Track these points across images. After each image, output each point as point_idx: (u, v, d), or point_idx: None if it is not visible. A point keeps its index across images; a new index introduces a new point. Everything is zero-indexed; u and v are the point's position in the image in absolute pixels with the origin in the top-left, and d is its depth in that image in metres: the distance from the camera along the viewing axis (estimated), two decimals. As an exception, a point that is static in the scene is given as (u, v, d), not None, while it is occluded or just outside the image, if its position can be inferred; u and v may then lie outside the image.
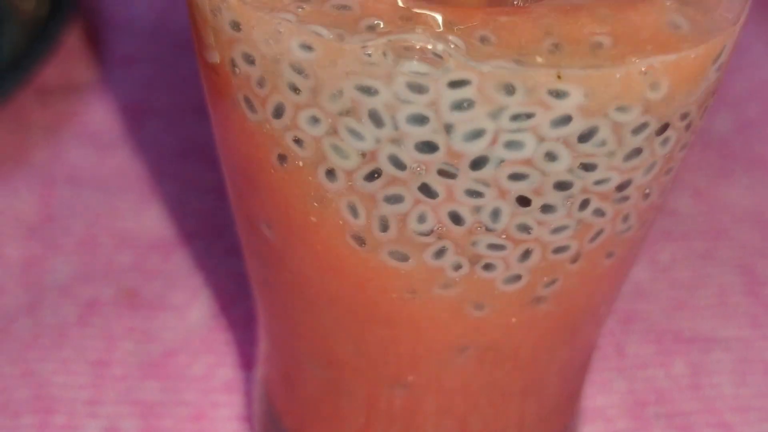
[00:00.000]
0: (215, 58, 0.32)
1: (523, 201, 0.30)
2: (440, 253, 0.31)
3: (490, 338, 0.34)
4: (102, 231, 0.50)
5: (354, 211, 0.31)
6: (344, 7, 0.29)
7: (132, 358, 0.45)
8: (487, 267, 0.31)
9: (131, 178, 0.52)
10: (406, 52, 0.28)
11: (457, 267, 0.31)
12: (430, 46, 0.28)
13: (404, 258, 0.31)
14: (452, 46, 0.28)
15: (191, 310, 0.47)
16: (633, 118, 0.29)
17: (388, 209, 0.30)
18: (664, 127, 0.30)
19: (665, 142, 0.31)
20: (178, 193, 0.51)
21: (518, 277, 0.32)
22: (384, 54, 0.28)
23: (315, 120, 0.30)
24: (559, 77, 0.28)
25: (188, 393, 0.44)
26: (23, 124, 0.53)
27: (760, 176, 0.54)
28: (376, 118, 0.29)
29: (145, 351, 0.45)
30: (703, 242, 0.51)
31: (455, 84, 0.28)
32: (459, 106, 0.29)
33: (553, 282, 0.32)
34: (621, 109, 0.29)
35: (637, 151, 0.30)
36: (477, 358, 0.34)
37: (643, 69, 0.29)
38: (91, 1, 0.59)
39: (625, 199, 0.31)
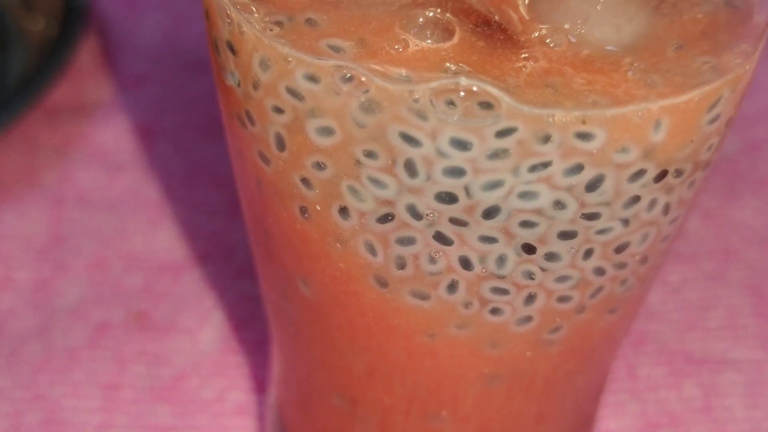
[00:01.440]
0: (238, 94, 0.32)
1: (529, 249, 0.30)
2: (452, 287, 0.31)
3: (507, 369, 0.34)
4: (112, 253, 0.49)
5: (372, 250, 0.31)
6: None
7: (143, 381, 0.45)
8: (495, 311, 0.32)
9: (141, 199, 0.52)
10: (451, 102, 0.28)
11: (468, 305, 0.31)
12: (475, 89, 0.28)
13: (425, 296, 0.31)
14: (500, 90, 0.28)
15: (202, 332, 0.47)
16: (633, 161, 0.30)
17: (401, 250, 0.31)
18: (663, 174, 0.30)
19: (653, 205, 0.31)
20: (187, 215, 0.51)
21: (529, 318, 0.32)
22: (431, 102, 0.28)
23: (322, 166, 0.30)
24: (584, 122, 0.28)
25: (200, 417, 0.44)
26: (32, 145, 0.53)
27: (770, 197, 0.54)
28: (411, 169, 0.29)
29: (156, 374, 0.45)
30: (713, 263, 0.51)
31: (502, 133, 0.28)
32: (495, 156, 0.29)
33: (558, 329, 0.33)
34: (624, 151, 0.29)
35: (636, 199, 0.30)
36: (496, 387, 0.34)
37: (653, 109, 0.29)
38: (101, 22, 0.59)
39: (623, 265, 0.32)
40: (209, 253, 0.50)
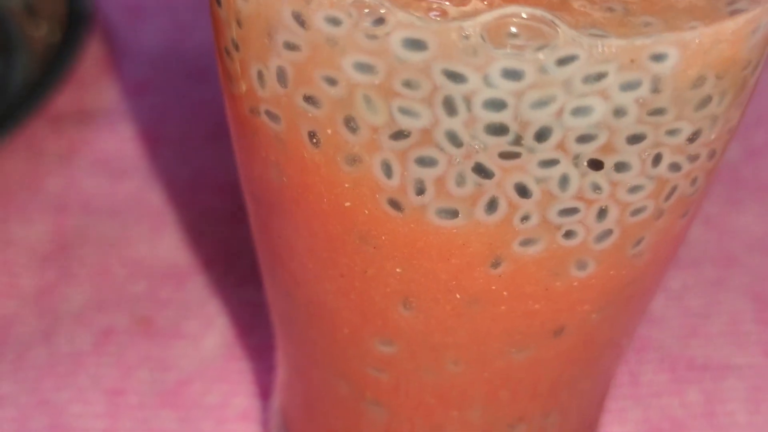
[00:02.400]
0: (241, 88, 0.32)
1: (596, 164, 0.29)
2: (492, 205, 0.30)
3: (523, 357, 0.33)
4: (115, 259, 0.49)
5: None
6: None
7: (147, 386, 0.45)
8: (569, 234, 0.31)
9: (144, 205, 0.52)
10: (506, 34, 0.27)
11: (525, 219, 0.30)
12: (534, 22, 0.27)
13: (452, 213, 0.30)
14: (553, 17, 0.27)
15: (206, 338, 0.47)
16: (695, 75, 0.29)
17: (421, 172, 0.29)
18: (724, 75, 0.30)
19: (721, 100, 0.30)
20: (191, 221, 0.51)
21: (609, 232, 0.31)
22: (482, 37, 0.27)
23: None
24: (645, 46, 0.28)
25: (204, 422, 0.44)
26: (36, 152, 0.54)
27: (770, 203, 0.54)
28: (450, 107, 0.28)
29: (160, 380, 0.45)
30: (714, 269, 0.51)
31: (564, 61, 0.28)
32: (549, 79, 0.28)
33: (640, 241, 0.32)
34: (684, 69, 0.29)
35: (707, 100, 0.30)
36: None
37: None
38: (104, 28, 0.59)
39: (695, 158, 0.31)
40: (213, 260, 0.50)
